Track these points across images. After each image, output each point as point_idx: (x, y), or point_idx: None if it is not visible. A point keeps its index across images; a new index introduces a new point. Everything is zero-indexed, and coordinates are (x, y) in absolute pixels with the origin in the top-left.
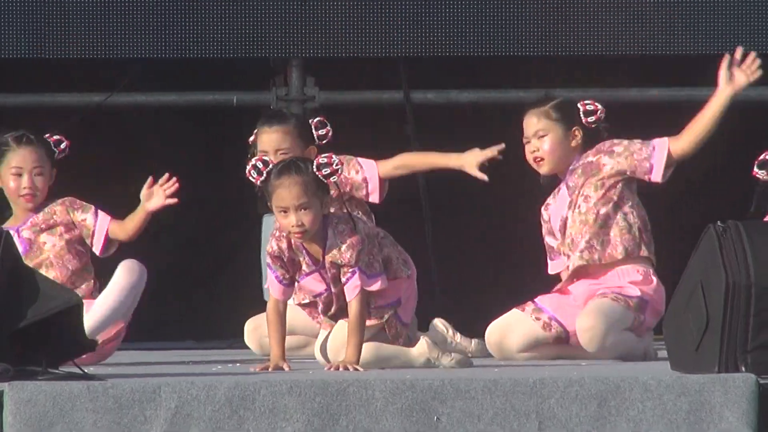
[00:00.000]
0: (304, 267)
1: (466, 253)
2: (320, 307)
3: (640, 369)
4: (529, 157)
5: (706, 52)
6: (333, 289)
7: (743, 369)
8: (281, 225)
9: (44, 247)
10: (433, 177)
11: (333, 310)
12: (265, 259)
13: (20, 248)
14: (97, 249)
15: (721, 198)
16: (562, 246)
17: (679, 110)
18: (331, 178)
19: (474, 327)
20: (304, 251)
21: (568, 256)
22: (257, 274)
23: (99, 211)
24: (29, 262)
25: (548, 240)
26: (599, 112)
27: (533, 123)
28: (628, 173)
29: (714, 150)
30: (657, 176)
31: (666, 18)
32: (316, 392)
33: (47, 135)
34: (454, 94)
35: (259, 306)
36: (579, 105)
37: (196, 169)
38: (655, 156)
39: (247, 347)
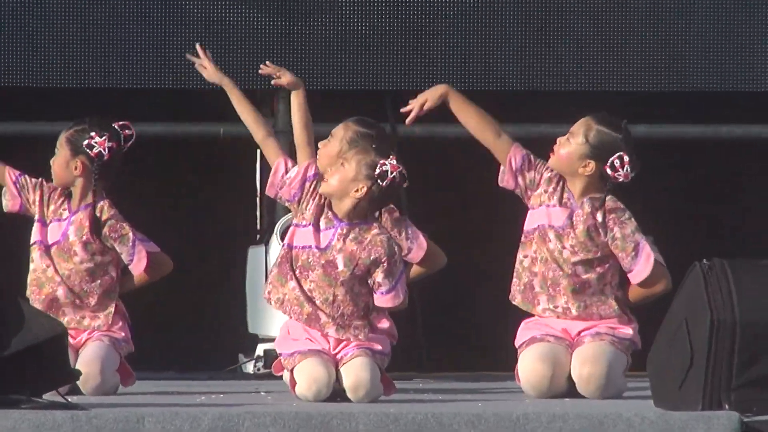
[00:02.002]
0: (322, 223)
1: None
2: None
3: (623, 405)
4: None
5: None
6: (319, 250)
7: (727, 407)
8: None
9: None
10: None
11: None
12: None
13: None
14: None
15: (705, 235)
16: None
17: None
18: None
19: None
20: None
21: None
22: (242, 306)
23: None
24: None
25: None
26: (620, 174)
27: (577, 126)
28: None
29: (701, 187)
30: (636, 280)
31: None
32: (300, 424)
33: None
34: (440, 128)
35: (244, 337)
36: (618, 153)
37: (181, 200)
38: (639, 264)
39: (229, 378)
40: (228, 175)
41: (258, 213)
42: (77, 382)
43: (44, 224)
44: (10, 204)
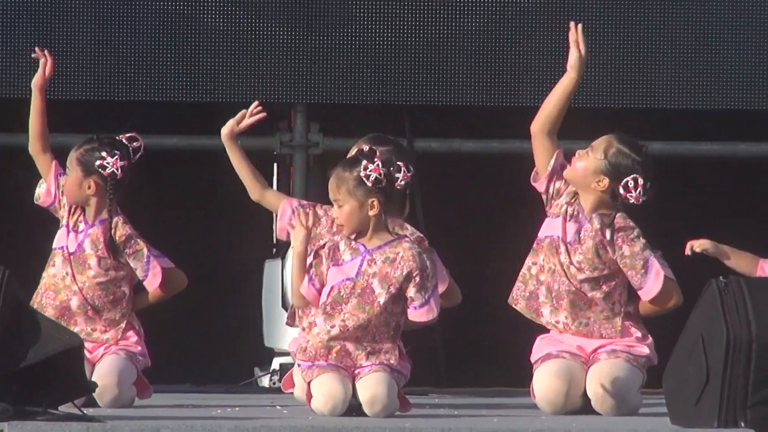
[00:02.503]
0: (346, 255)
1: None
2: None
3: (638, 422)
4: None
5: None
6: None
7: (742, 424)
8: None
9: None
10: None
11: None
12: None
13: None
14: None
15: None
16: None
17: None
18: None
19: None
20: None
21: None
22: (258, 319)
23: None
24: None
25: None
26: (631, 197)
27: (599, 142)
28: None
29: (718, 204)
30: (647, 297)
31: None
32: None
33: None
34: (457, 143)
35: (260, 351)
36: (633, 175)
37: (197, 212)
38: (649, 281)
39: (245, 392)
40: (245, 188)
41: (274, 226)
42: (94, 395)
43: (68, 231)
44: (42, 198)
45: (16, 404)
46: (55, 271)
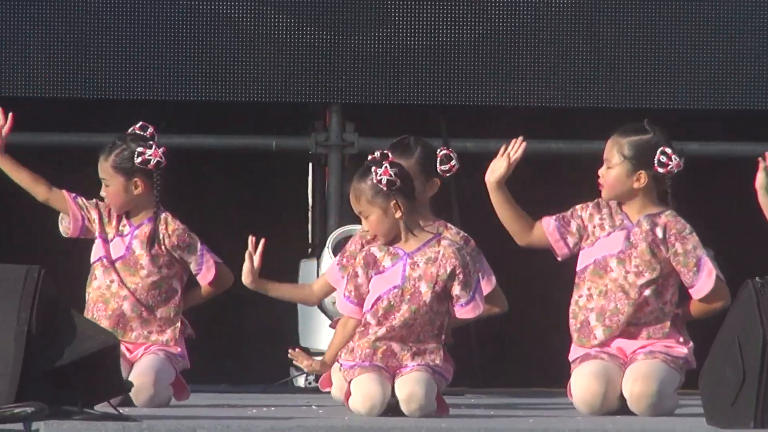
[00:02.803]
0: (387, 261)
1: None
2: (378, 308)
3: (675, 423)
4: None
5: None
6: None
7: None
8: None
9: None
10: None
11: (394, 319)
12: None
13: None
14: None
15: (758, 253)
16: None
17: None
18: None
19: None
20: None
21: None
22: (294, 319)
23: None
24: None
25: (567, 239)
26: (672, 166)
27: (608, 149)
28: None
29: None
30: (698, 296)
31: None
32: None
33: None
34: (493, 143)
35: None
36: (659, 150)
37: (233, 212)
38: (701, 279)
39: (281, 392)
40: (280, 188)
41: (310, 226)
42: (130, 394)
43: (106, 240)
44: (71, 227)
45: (51, 403)
46: (98, 283)
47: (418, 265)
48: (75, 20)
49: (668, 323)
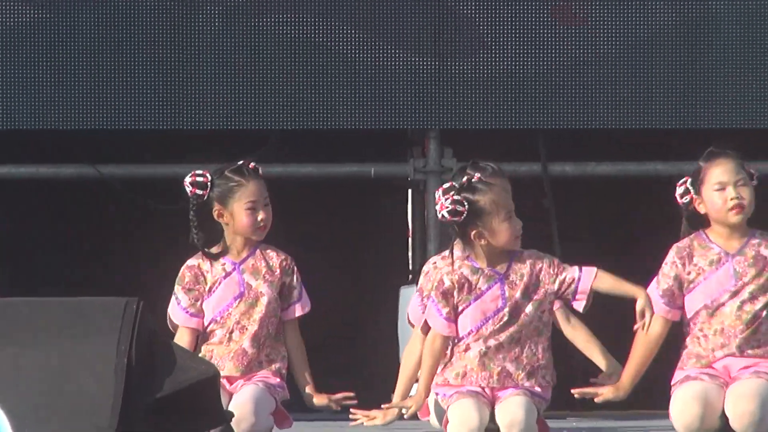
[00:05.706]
0: (482, 284)
1: None
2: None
3: None
4: (728, 204)
5: None
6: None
7: None
8: None
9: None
10: None
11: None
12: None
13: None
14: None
15: None
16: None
17: None
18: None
19: None
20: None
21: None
22: (395, 345)
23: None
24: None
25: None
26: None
27: (733, 169)
28: None
29: None
30: None
31: None
32: None
33: (241, 162)
34: (592, 166)
35: (396, 377)
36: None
37: (333, 240)
38: None
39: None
40: (379, 215)
41: (410, 253)
42: (231, 424)
43: (210, 293)
44: (196, 316)
45: None
46: (219, 338)
47: (515, 284)
48: (176, 54)
49: None
